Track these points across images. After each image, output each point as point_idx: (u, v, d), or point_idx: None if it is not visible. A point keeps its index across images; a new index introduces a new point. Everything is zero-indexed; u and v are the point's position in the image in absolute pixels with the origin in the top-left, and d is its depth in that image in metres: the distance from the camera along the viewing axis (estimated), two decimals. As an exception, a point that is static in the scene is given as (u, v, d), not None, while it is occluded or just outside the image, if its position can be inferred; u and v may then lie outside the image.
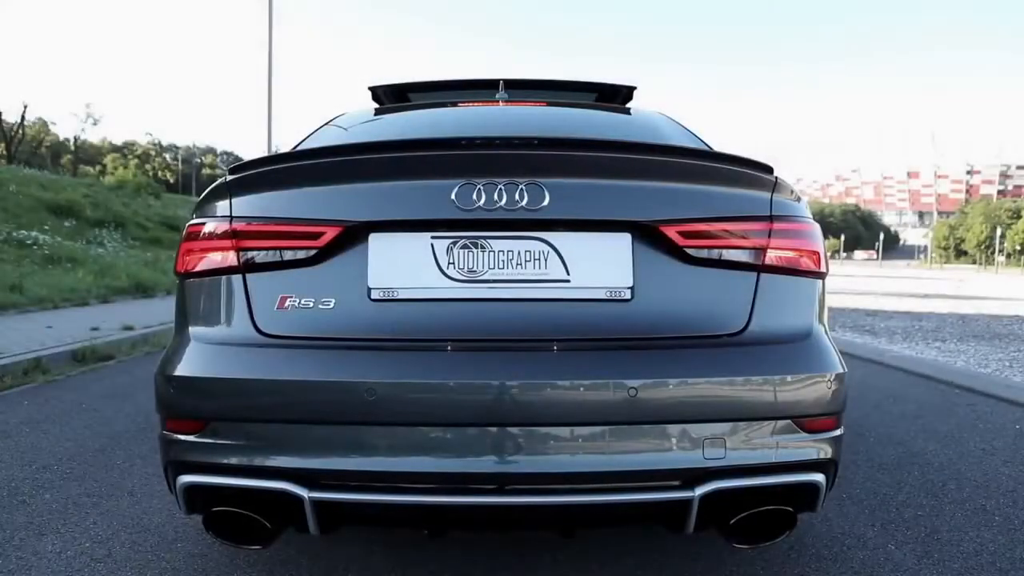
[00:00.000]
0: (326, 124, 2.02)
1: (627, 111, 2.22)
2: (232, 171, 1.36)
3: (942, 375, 4.41)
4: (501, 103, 2.13)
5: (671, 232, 1.27)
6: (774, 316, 1.30)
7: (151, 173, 51.26)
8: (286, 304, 1.26)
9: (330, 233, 1.25)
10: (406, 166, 1.29)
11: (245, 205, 1.31)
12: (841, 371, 1.32)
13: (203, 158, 62.97)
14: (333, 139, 1.84)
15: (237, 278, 1.29)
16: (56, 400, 3.51)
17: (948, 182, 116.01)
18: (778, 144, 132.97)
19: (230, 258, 1.29)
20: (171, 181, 54.78)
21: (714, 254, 1.29)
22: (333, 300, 1.25)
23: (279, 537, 1.29)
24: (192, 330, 1.31)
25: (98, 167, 51.08)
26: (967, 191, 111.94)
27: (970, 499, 2.23)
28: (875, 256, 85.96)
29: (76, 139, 49.89)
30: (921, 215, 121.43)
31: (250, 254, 1.29)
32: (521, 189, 1.24)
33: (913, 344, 6.08)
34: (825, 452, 1.28)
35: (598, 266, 1.26)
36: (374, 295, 1.24)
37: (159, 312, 6.96)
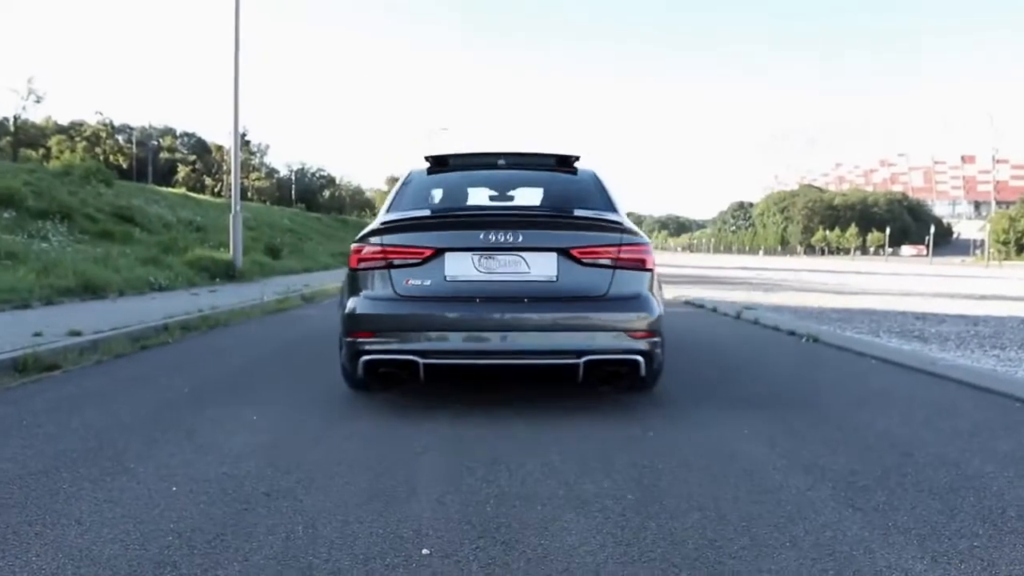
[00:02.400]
0: (406, 180, 4.24)
1: (574, 171, 4.33)
2: (383, 227, 3.44)
3: (1002, 387, 4.41)
4: (500, 168, 4.36)
5: (574, 252, 3.34)
6: (621, 287, 3.35)
7: (102, 157, 51.11)
8: (408, 282, 3.31)
9: (428, 252, 3.28)
10: (460, 224, 3.42)
11: (389, 238, 3.36)
12: (653, 314, 3.35)
13: (160, 140, 62.80)
14: (414, 196, 4.06)
15: (385, 269, 3.34)
16: (-7, 415, 3.51)
17: (1008, 167, 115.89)
18: (818, 124, 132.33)
19: (382, 262, 3.32)
20: (124, 167, 54.66)
21: (594, 261, 3.35)
22: (430, 280, 3.31)
23: (404, 383, 3.50)
24: (363, 293, 3.32)
25: (41, 150, 51.02)
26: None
27: (1033, 528, 2.23)
28: (924, 252, 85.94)
29: (16, 119, 49.85)
30: (977, 205, 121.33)
31: (393, 260, 3.33)
32: (509, 234, 3.31)
33: (968, 352, 6.08)
34: (642, 346, 3.29)
35: (542, 267, 3.31)
36: (448, 279, 3.28)
37: (111, 315, 6.96)
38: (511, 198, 4.63)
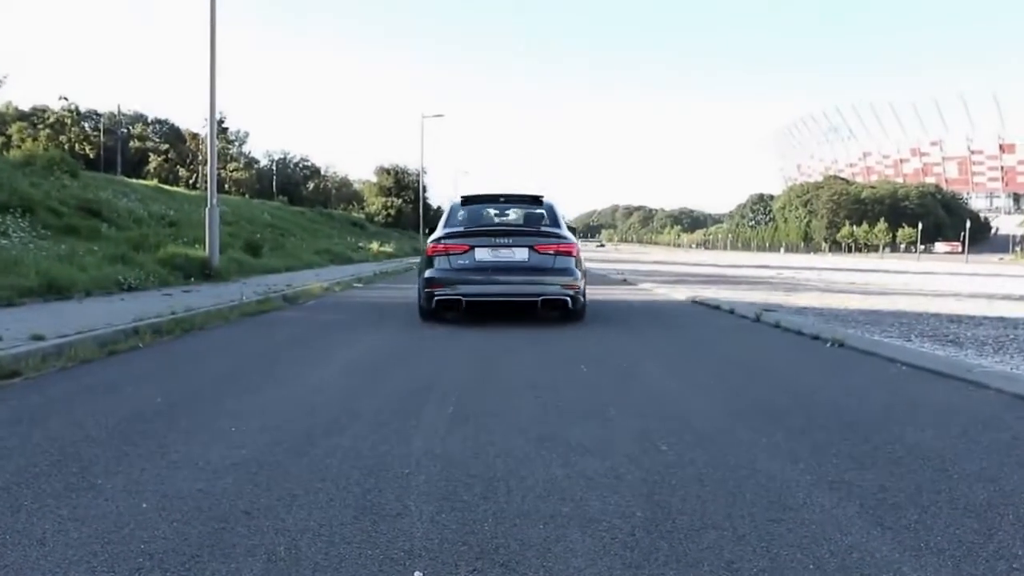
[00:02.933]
0: (451, 209, 9.08)
1: (540, 203, 9.04)
2: (445, 235, 8.09)
3: (1043, 396, 4.41)
4: (501, 202, 9.56)
5: (536, 247, 7.91)
6: (559, 264, 7.86)
7: (66, 146, 51.10)
8: (456, 262, 7.80)
9: (467, 248, 7.84)
10: (482, 234, 8.00)
11: (447, 241, 7.96)
12: (576, 278, 7.91)
13: (130, 128, 62.72)
14: (456, 217, 8.90)
15: (446, 255, 7.87)
16: (-51, 427, 3.51)
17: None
18: (842, 110, 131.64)
19: (444, 252, 7.85)
20: (91, 156, 54.65)
21: (545, 252, 7.90)
22: (468, 261, 7.81)
23: (456, 312, 8.15)
24: (435, 266, 7.80)
25: (1, 139, 51.03)
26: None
27: (1077, 549, 2.23)
28: (959, 248, 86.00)
29: (-27, 104, 49.74)
30: (1017, 198, 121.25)
31: (450, 251, 7.88)
32: (505, 239, 7.94)
33: (1007, 357, 6.08)
34: (570, 293, 7.78)
35: (521, 254, 7.81)
36: (476, 260, 7.81)
37: (77, 318, 6.96)
38: (507, 215, 9.59)
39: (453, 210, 8.96)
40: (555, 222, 8.47)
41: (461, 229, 8.19)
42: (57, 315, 7.23)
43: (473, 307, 7.87)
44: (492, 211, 9.52)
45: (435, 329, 7.67)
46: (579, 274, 7.97)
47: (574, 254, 7.99)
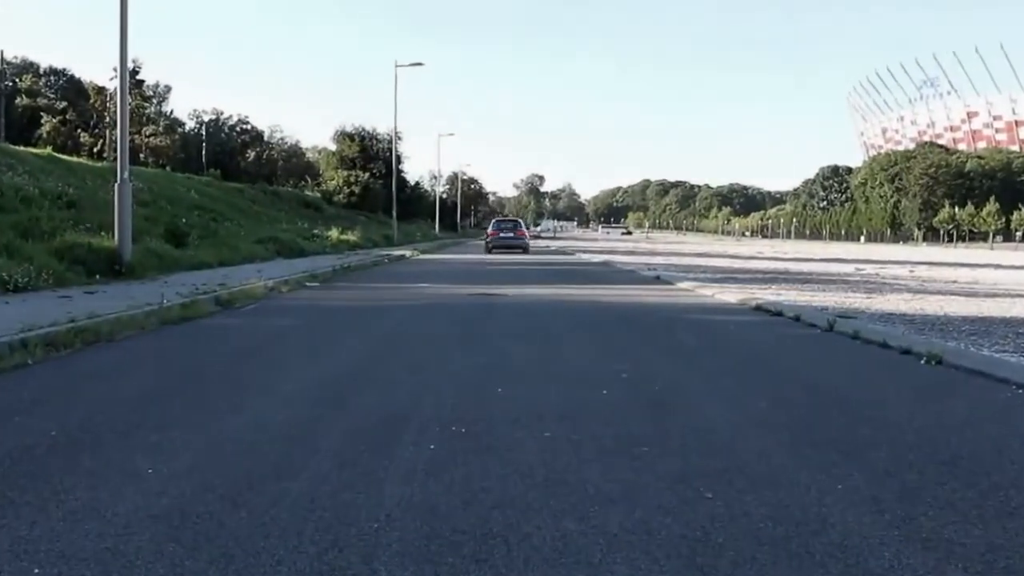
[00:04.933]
0: (493, 221, 56.39)
1: (517, 219, 60.04)
2: (494, 229, 51.88)
3: None
4: (507, 218, 65.06)
5: (516, 232, 51.17)
6: (521, 236, 49.59)
7: (-66, 104, 51.23)
8: (494, 237, 48.49)
9: (497, 232, 49.79)
10: (503, 228, 51.67)
11: (492, 230, 50.86)
12: (527, 240, 50.32)
13: (17, 80, 62.84)
14: (496, 223, 55.07)
15: (492, 235, 49.59)
16: None
17: None
18: (937, 52, 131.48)
19: (491, 234, 49.30)
20: (-34, 117, 54.75)
21: (517, 234, 50.18)
22: (498, 236, 49.11)
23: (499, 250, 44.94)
24: (489, 236, 48.85)
25: None
26: None
27: None
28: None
29: None
30: None
31: (493, 234, 49.58)
32: (508, 230, 51.65)
33: None
34: (525, 245, 47.89)
35: (514, 232, 50.02)
36: (500, 236, 48.85)
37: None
38: (509, 223, 51.43)
39: (493, 222, 50.29)
40: (522, 225, 48.80)
41: (496, 227, 46.24)
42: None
43: (498, 250, 41.96)
44: (504, 222, 48.57)
45: (410, 330, 7.66)
46: (528, 240, 45.95)
47: (526, 234, 47.53)
